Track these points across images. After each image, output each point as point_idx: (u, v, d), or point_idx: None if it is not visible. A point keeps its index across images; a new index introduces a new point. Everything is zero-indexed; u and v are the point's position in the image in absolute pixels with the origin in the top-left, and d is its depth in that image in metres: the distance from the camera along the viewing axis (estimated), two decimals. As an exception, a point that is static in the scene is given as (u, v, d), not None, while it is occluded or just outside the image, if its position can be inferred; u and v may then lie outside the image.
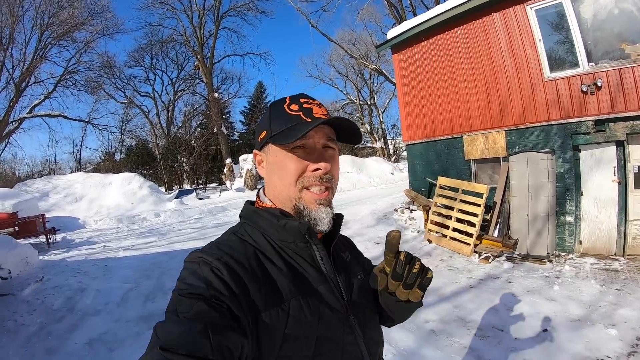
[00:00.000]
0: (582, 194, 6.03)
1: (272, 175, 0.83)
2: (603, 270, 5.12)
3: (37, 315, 4.62)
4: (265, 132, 0.82)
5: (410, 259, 0.72)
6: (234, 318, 0.63)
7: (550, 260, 5.67)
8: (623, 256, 5.57)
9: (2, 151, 22.91)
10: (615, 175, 5.71)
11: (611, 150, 5.72)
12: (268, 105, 0.90)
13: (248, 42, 60.00)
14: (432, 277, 0.73)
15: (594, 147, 5.89)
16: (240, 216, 0.88)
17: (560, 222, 6.12)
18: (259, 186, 18.76)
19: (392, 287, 0.73)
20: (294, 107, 0.81)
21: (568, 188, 6.06)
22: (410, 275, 0.70)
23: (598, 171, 5.88)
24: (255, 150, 0.90)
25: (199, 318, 0.60)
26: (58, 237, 10.44)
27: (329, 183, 0.81)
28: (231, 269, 0.69)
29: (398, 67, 9.16)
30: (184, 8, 24.96)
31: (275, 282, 0.73)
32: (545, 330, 3.60)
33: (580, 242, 6.05)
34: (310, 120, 0.79)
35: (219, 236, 0.83)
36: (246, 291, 0.68)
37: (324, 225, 0.80)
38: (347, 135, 0.86)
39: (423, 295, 0.73)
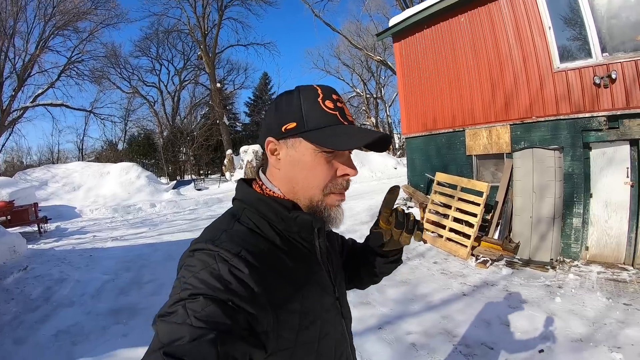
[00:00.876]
0: (591, 196, 5.57)
1: (295, 171, 0.78)
2: (610, 281, 4.67)
3: (13, 305, 4.59)
4: (295, 123, 0.75)
5: (404, 211, 0.88)
6: (247, 326, 0.61)
7: (553, 267, 5.21)
8: (632, 266, 5.09)
9: (7, 140, 23.03)
10: (628, 177, 5.22)
11: (625, 150, 5.23)
12: (280, 92, 0.84)
13: (253, 32, 59.16)
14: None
15: (606, 146, 5.40)
16: (238, 199, 0.82)
17: (566, 225, 5.66)
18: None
19: (396, 235, 0.88)
20: (329, 104, 0.76)
21: (576, 189, 5.59)
22: (409, 222, 0.86)
23: (609, 172, 5.41)
24: (270, 138, 0.79)
25: (209, 323, 0.57)
26: (52, 225, 10.57)
27: (348, 188, 0.82)
28: (251, 265, 0.66)
29: (399, 57, 8.69)
30: (187, -3, 24.61)
31: (290, 273, 0.73)
32: (541, 351, 3.15)
33: (586, 248, 5.60)
34: (346, 123, 0.77)
35: (217, 218, 0.81)
36: (267, 287, 0.67)
37: (339, 224, 0.81)
38: (376, 145, 0.82)
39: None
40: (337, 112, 0.76)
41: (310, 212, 0.79)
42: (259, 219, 0.77)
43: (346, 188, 0.80)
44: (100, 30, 24.57)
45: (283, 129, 0.76)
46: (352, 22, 34.57)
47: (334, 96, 0.78)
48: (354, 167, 0.79)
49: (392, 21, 8.54)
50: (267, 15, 54.71)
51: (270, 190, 0.81)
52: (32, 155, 31.61)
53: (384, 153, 22.14)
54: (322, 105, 0.76)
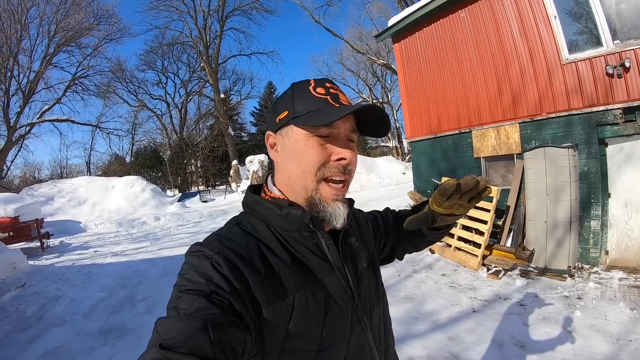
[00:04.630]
0: (609, 196, 5.15)
1: (289, 161, 0.76)
2: (633, 288, 4.26)
3: (7, 323, 4.52)
4: (286, 112, 0.76)
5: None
6: (236, 314, 0.62)
7: (571, 275, 4.81)
8: (657, 270, 4.68)
9: (16, 155, 23.27)
10: (648, 173, 4.81)
11: (644, 144, 4.83)
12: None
13: (255, 42, 59.29)
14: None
15: (623, 141, 4.99)
16: (243, 204, 0.83)
17: (583, 229, 5.24)
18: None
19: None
20: (320, 90, 0.76)
21: (593, 189, 5.18)
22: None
23: (628, 169, 4.99)
24: (269, 132, 0.81)
25: (199, 315, 0.58)
26: (56, 241, 10.68)
27: (349, 175, 0.77)
28: (231, 263, 0.66)
29: (399, 57, 8.34)
30: (187, 9, 24.68)
31: (279, 276, 0.70)
32: (561, 378, 2.81)
33: (606, 253, 5.18)
34: (338, 105, 0.74)
35: (221, 227, 0.79)
36: (247, 286, 0.66)
37: (339, 221, 0.76)
38: (374, 127, 0.81)
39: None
40: (327, 97, 0.75)
41: (308, 207, 0.76)
42: (258, 221, 0.77)
43: (344, 174, 0.76)
44: (104, 45, 24.99)
45: (277, 119, 0.77)
46: (354, 27, 34.54)
47: (328, 84, 0.78)
48: (350, 151, 0.74)
49: (391, 21, 8.24)
50: (269, 24, 54.99)
51: (270, 192, 0.81)
52: (44, 170, 32.08)
53: (392, 158, 21.89)
54: (312, 92, 0.75)
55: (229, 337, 0.57)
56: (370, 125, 0.80)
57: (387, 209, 1.19)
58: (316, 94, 0.75)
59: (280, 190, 0.80)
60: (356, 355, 0.77)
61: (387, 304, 0.95)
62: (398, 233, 1.09)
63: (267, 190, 0.82)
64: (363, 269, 0.86)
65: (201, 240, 0.73)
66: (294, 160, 0.75)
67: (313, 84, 0.77)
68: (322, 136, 0.73)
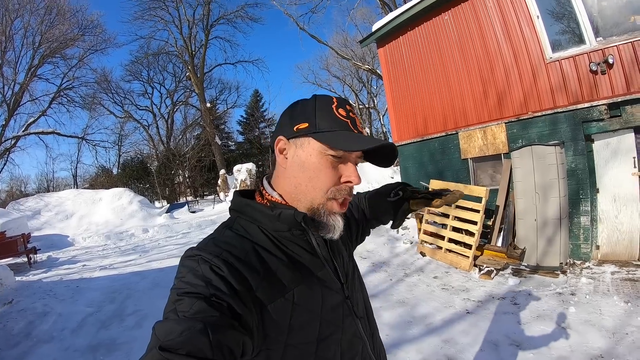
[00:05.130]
0: (597, 192, 5.19)
1: (300, 172, 0.78)
2: (626, 281, 4.28)
3: None
4: (307, 124, 0.77)
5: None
6: (235, 316, 0.62)
7: (563, 272, 4.81)
8: (648, 262, 4.71)
9: (1, 170, 22.79)
10: (635, 167, 4.88)
11: (629, 139, 4.89)
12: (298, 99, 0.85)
13: (241, 50, 59.36)
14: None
15: (609, 136, 5.04)
16: (232, 209, 0.83)
17: (573, 225, 5.26)
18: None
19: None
20: (342, 112, 0.78)
21: (581, 185, 5.22)
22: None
23: (615, 164, 5.04)
24: (281, 137, 0.80)
25: (198, 317, 0.58)
26: (44, 255, 10.44)
27: (351, 196, 0.82)
28: (231, 265, 0.67)
29: (384, 62, 8.37)
30: (172, 19, 24.58)
31: (276, 274, 0.72)
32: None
33: (597, 247, 5.21)
34: (356, 132, 0.78)
35: (212, 232, 0.80)
36: (248, 287, 0.67)
37: (337, 233, 0.79)
38: (381, 158, 0.86)
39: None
40: (348, 121, 0.78)
41: (309, 214, 0.78)
42: (249, 224, 0.78)
43: (350, 195, 0.80)
44: (88, 56, 24.75)
45: (295, 128, 0.77)
46: (338, 34, 34.56)
47: (348, 107, 0.80)
48: (357, 176, 0.79)
49: (375, 26, 8.25)
50: (254, 32, 55.11)
51: (269, 196, 0.81)
52: (31, 184, 31.53)
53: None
54: (335, 111, 0.77)
55: (228, 340, 0.58)
56: (375, 154, 0.85)
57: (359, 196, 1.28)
58: (339, 115, 0.77)
59: (280, 195, 0.81)
60: (350, 342, 0.82)
61: (367, 294, 1.00)
62: (365, 217, 1.19)
63: (265, 194, 0.83)
64: (346, 262, 0.91)
65: (194, 246, 0.74)
66: (305, 173, 0.77)
67: (336, 103, 0.79)
68: (336, 157, 0.76)
